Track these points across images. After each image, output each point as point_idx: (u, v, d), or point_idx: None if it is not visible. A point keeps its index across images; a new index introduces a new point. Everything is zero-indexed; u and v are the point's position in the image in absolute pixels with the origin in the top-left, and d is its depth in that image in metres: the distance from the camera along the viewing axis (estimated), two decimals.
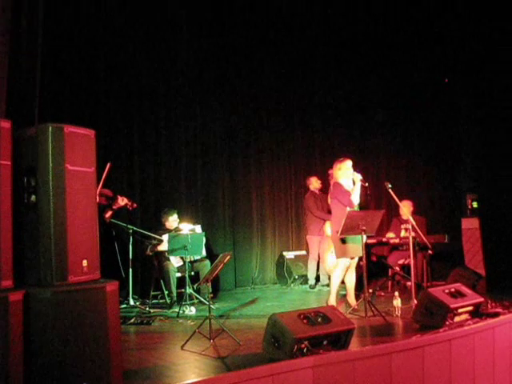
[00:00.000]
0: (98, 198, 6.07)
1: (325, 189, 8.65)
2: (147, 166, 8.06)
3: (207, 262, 7.27)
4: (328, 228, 8.18)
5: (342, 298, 6.89)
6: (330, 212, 7.66)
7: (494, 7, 8.04)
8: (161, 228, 7.37)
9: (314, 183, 8.67)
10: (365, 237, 6.16)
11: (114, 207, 6.72)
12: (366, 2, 9.42)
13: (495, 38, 8.08)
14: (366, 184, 6.41)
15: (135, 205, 7.01)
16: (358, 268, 6.52)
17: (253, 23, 9.03)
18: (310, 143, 9.76)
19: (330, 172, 8.40)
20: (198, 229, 7.58)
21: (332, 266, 8.27)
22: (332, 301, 6.30)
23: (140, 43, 7.90)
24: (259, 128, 9.26)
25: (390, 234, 8.22)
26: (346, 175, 6.37)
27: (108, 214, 6.66)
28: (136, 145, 7.95)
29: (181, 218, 7.59)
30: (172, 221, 7.41)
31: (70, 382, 3.38)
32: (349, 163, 6.39)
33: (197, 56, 8.53)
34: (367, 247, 6.99)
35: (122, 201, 6.76)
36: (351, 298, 6.45)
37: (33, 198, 3.57)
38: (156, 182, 8.13)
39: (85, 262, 3.65)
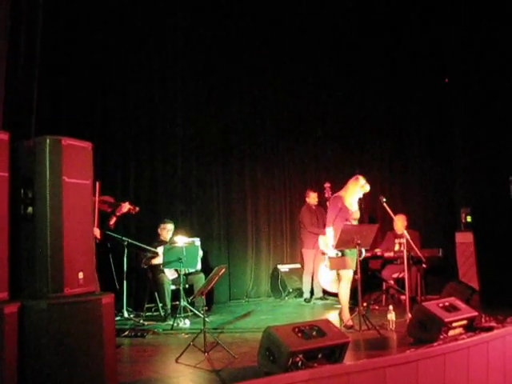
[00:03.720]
0: (99, 205, 6.08)
1: (322, 203, 8.70)
2: (142, 179, 8.08)
3: (202, 274, 7.27)
4: (321, 241, 8.21)
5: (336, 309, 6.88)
6: (325, 226, 7.69)
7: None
8: (156, 240, 7.37)
9: (312, 198, 8.70)
10: (363, 252, 6.17)
11: (118, 214, 6.65)
12: (364, 6, 9.49)
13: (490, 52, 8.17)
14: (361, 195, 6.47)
15: (137, 208, 6.90)
16: (353, 281, 6.52)
17: (250, 31, 9.09)
18: (306, 156, 9.79)
19: (326, 186, 8.47)
20: (197, 242, 7.58)
21: (325, 280, 8.33)
22: (346, 315, 6.22)
23: (136, 49, 7.92)
24: (254, 140, 9.30)
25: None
26: (355, 193, 6.38)
27: (112, 221, 6.59)
28: (131, 157, 7.98)
29: (176, 231, 7.59)
30: (167, 230, 7.43)
31: None
32: (362, 181, 6.37)
33: (193, 66, 8.56)
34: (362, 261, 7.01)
35: (125, 207, 6.72)
36: (345, 313, 6.44)
37: (30, 209, 3.58)
38: (151, 195, 8.12)
39: (81, 274, 3.66)
